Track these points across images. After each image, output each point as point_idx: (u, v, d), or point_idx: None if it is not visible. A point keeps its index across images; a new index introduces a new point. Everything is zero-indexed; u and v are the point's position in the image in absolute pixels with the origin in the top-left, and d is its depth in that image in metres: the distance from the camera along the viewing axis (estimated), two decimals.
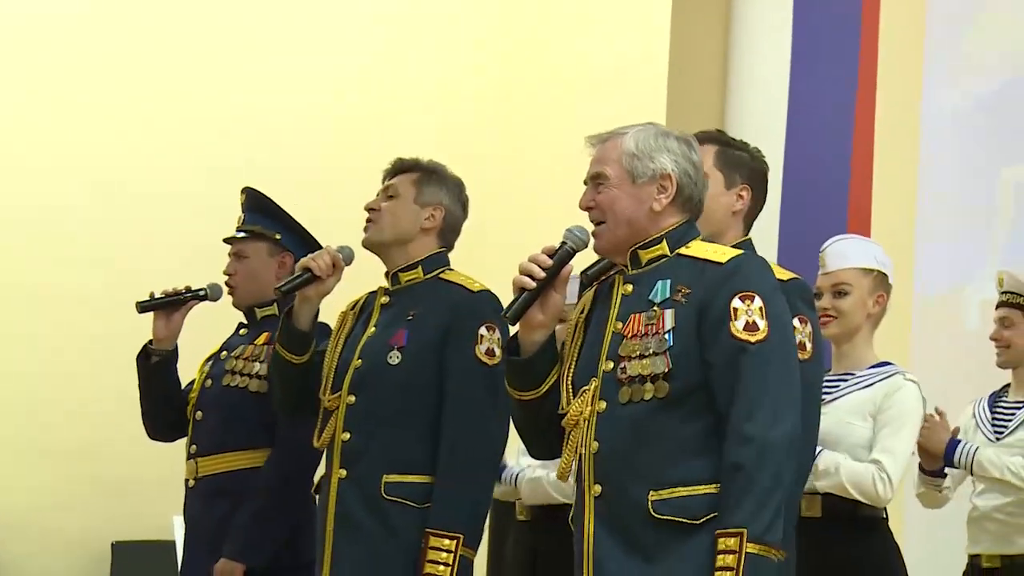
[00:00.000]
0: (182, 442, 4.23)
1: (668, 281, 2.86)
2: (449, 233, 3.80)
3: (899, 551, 3.91)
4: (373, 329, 3.64)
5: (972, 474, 4.21)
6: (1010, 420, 4.33)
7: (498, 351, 3.66)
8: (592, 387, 2.84)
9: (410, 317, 3.62)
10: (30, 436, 6.83)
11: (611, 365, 2.85)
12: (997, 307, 4.51)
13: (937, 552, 5.03)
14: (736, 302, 2.80)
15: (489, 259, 6.57)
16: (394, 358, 3.58)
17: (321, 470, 3.78)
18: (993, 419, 4.39)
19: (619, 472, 2.79)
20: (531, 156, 7.85)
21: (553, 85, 7.86)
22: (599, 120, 7.54)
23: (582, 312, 2.99)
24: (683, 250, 2.89)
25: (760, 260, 2.90)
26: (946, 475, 4.32)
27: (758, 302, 2.79)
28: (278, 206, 4.20)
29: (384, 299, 3.71)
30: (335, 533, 3.64)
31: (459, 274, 3.72)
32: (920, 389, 3.95)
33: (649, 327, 2.83)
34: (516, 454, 4.63)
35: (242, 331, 4.17)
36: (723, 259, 2.85)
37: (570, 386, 2.91)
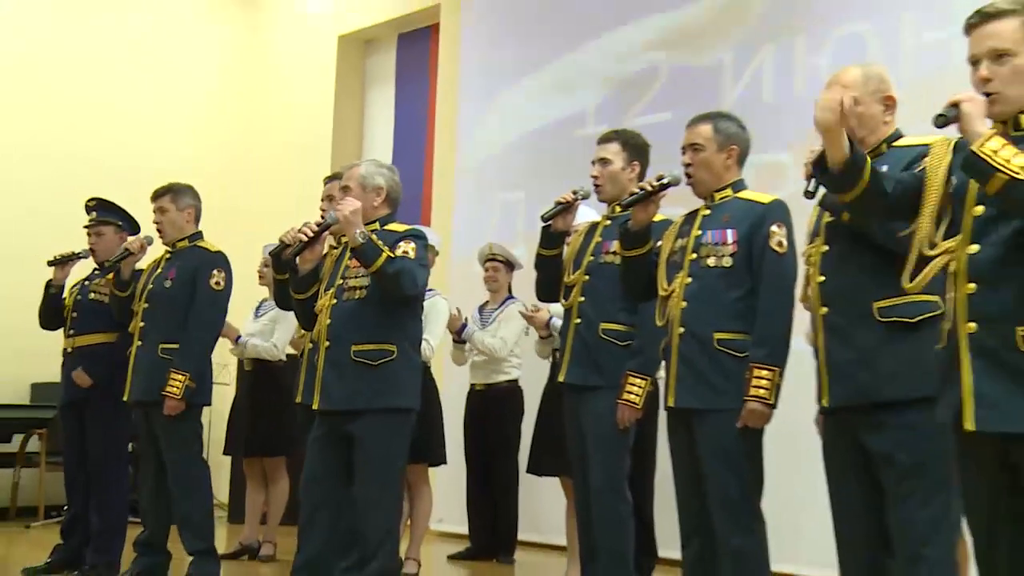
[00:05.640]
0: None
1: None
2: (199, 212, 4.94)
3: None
4: (159, 271, 5.02)
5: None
6: (491, 320, 6.16)
7: (222, 283, 4.83)
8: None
9: (178, 263, 4.97)
10: None
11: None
12: (486, 262, 6.17)
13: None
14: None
15: (236, 236, 7.74)
16: (167, 284, 4.96)
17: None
18: (482, 319, 6.24)
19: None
20: (262, 156, 9.69)
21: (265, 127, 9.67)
22: (302, 141, 9.83)
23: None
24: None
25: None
26: (466, 341, 5.99)
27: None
28: (119, 207, 5.55)
29: (168, 256, 5.07)
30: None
31: (206, 242, 5.05)
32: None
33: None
34: (244, 332, 6.22)
35: (95, 272, 5.60)
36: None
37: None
